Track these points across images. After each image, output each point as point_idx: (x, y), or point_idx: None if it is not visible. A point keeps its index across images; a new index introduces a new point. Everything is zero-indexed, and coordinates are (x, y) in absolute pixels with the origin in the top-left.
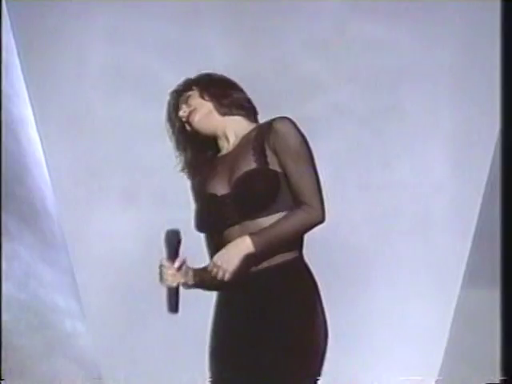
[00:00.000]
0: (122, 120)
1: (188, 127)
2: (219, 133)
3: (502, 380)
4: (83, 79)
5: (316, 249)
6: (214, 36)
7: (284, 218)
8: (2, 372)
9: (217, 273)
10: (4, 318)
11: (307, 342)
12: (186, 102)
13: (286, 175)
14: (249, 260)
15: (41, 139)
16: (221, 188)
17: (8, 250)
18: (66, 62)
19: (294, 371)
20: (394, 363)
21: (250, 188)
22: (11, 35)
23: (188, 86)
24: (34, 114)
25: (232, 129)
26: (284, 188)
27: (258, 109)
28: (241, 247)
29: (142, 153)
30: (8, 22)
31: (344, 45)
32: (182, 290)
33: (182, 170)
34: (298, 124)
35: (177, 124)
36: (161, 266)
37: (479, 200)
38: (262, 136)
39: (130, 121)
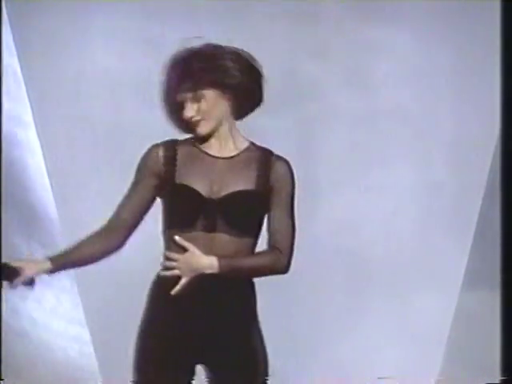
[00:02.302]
0: (123, 123)
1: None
2: (216, 132)
3: (501, 380)
4: (83, 81)
5: (316, 251)
6: (214, 38)
7: (256, 255)
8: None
9: (170, 267)
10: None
11: (245, 349)
12: (198, 102)
13: (269, 214)
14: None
15: (41, 142)
16: (201, 188)
17: (8, 254)
18: (66, 63)
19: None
20: (395, 364)
21: (244, 206)
22: (11, 37)
23: (200, 79)
24: (34, 117)
25: (235, 136)
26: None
27: (258, 111)
28: (206, 264)
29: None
30: (8, 24)
31: (344, 47)
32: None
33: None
34: (299, 125)
35: (171, 107)
36: None
37: (479, 201)
38: (268, 166)
39: (130, 123)
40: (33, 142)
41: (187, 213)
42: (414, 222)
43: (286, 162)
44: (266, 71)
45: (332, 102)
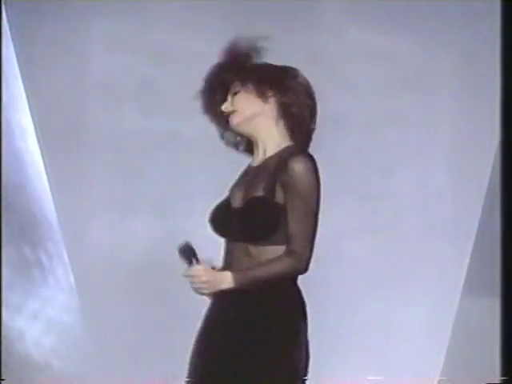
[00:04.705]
0: (123, 129)
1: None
2: (257, 141)
3: (501, 380)
4: (83, 89)
5: (315, 258)
6: (215, 46)
7: (271, 261)
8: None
9: (193, 282)
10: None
11: (287, 361)
12: (232, 97)
13: (287, 219)
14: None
15: (40, 149)
16: (237, 200)
17: (8, 259)
18: (66, 71)
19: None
20: (396, 368)
21: (252, 214)
22: (11, 45)
23: (237, 72)
24: (34, 124)
25: (268, 145)
26: (284, 223)
27: None
28: (221, 282)
29: (141, 162)
30: (8, 32)
31: (343, 53)
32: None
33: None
34: None
35: (218, 112)
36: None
37: (479, 209)
38: (278, 169)
39: (130, 130)
40: (33, 149)
41: (220, 224)
42: (414, 228)
43: (306, 160)
44: None
45: (331, 109)
